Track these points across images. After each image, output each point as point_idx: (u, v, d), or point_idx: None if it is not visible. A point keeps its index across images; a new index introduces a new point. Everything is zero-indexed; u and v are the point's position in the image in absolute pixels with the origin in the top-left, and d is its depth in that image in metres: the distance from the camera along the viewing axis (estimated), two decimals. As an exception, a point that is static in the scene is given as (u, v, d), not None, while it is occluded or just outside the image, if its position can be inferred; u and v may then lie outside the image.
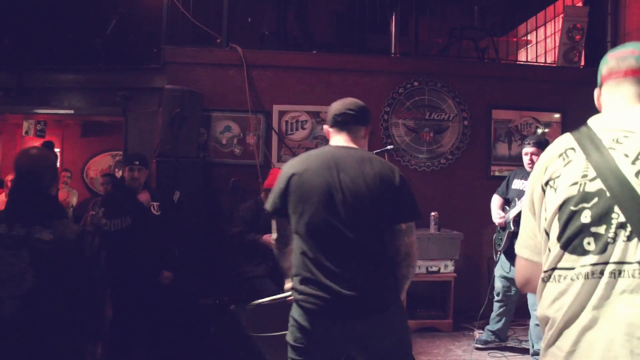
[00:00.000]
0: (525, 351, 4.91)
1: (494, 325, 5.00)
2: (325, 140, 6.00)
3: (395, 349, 2.43)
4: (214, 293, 5.23)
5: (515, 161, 6.27)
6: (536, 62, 7.14)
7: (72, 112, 6.82)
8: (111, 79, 6.51)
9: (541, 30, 7.48)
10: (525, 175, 4.67)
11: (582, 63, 6.61)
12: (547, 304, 1.49)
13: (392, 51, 6.73)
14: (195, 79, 5.94)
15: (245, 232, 4.90)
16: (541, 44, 7.64)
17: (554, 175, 1.51)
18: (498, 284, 4.90)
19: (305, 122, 6.09)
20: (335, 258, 2.35)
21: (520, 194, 4.60)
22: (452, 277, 5.54)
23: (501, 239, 4.72)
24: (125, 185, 4.55)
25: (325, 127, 2.68)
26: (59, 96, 6.68)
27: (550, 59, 7.47)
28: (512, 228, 4.55)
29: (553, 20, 7.54)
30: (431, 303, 5.75)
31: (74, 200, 8.00)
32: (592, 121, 1.60)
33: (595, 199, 1.40)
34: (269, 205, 2.56)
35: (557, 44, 6.85)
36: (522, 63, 7.24)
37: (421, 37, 6.89)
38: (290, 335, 2.44)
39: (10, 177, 7.05)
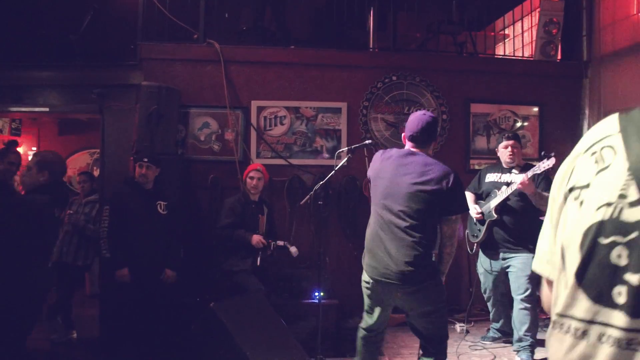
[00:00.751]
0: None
1: (495, 324, 5.04)
2: (303, 135, 6.01)
3: (429, 316, 3.24)
4: (195, 290, 5.20)
5: (494, 154, 6.30)
6: (514, 55, 7.19)
7: (47, 109, 6.69)
8: (87, 76, 6.40)
9: (518, 25, 7.52)
10: (499, 170, 4.71)
11: (559, 56, 6.67)
12: None
13: (371, 46, 6.72)
14: (172, 75, 5.89)
15: (235, 225, 4.90)
16: (518, 38, 7.69)
17: (580, 182, 1.13)
18: (483, 281, 4.92)
19: (284, 118, 6.06)
20: (391, 239, 3.13)
21: (497, 184, 4.64)
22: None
23: (479, 230, 4.74)
24: (134, 182, 4.60)
25: (404, 134, 3.44)
26: (34, 94, 6.55)
27: (527, 52, 7.53)
28: (495, 216, 4.58)
29: (530, 15, 7.60)
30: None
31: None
32: None
33: (636, 234, 1.01)
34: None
35: (534, 38, 6.90)
36: (500, 57, 7.28)
37: (399, 32, 6.90)
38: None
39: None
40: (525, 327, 4.39)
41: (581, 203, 1.10)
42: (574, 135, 6.49)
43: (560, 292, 1.13)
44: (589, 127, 6.38)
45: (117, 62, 6.57)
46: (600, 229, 1.05)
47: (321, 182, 4.42)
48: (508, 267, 4.58)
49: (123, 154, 5.76)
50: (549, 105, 6.46)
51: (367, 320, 3.44)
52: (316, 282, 4.66)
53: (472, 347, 4.89)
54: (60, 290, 5.74)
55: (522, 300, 4.41)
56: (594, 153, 1.11)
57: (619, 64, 6.09)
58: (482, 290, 4.95)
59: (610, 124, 1.14)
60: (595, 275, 1.05)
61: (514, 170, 4.60)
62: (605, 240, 1.04)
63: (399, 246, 3.11)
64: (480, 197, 4.84)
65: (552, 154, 4.24)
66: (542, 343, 4.47)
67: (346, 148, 4.28)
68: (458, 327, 5.40)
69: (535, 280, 4.38)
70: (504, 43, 8.11)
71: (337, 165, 4.36)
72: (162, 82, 5.59)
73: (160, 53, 5.96)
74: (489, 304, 4.99)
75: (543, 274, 1.26)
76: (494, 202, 4.60)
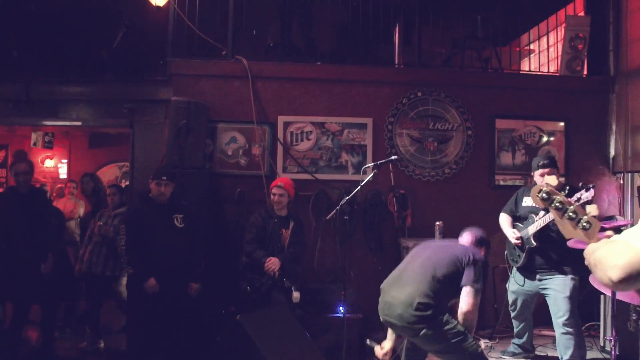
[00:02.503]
0: (550, 359, 4.91)
1: (518, 339, 4.97)
2: (329, 150, 6.06)
3: None
4: (220, 303, 5.27)
5: (520, 170, 6.31)
6: (539, 71, 7.17)
7: (79, 123, 6.89)
8: (118, 91, 6.57)
9: (544, 40, 7.51)
10: None
11: (585, 72, 6.64)
12: None
13: (396, 61, 6.78)
14: (201, 91, 6.00)
15: (257, 239, 5.00)
16: (544, 53, 7.67)
17: None
18: (512, 298, 4.86)
19: (310, 133, 6.14)
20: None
21: (534, 210, 4.55)
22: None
23: (519, 256, 4.67)
24: (149, 197, 4.66)
25: None
26: (67, 108, 6.75)
27: (553, 68, 7.51)
28: (534, 244, 4.51)
29: (555, 30, 7.58)
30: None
31: (80, 211, 8.04)
32: None
33: None
34: None
35: (559, 53, 6.88)
36: (525, 72, 7.26)
37: (424, 47, 6.94)
38: None
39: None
40: (570, 352, 4.29)
41: None
42: (601, 151, 6.45)
43: None
44: (616, 142, 6.35)
45: (147, 78, 6.74)
46: None
47: (347, 197, 4.46)
48: (545, 289, 4.50)
49: (152, 167, 5.87)
50: (575, 120, 6.42)
51: None
52: (340, 296, 4.69)
53: (497, 365, 4.86)
54: (88, 300, 5.87)
55: (563, 324, 4.32)
56: None
57: (646, 79, 6.05)
58: (510, 307, 4.90)
59: None
60: None
61: None
62: None
63: None
64: (517, 220, 4.77)
65: (592, 185, 4.14)
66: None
67: (372, 163, 4.31)
68: (482, 343, 5.37)
69: (575, 301, 4.34)
70: (529, 58, 8.09)
71: (363, 181, 4.39)
72: (191, 97, 5.70)
73: (190, 69, 6.08)
74: (516, 320, 4.94)
75: None
76: (532, 229, 4.51)
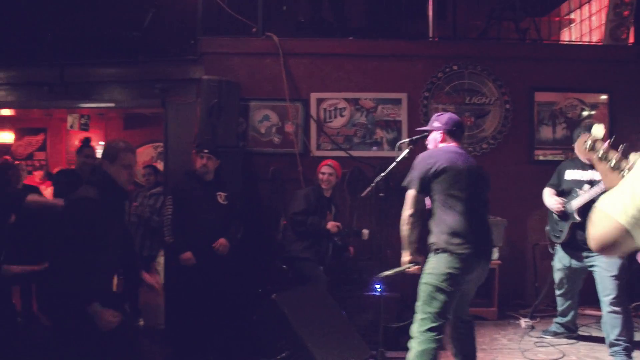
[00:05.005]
0: (594, 339, 4.79)
1: (562, 318, 4.84)
2: (363, 127, 5.97)
3: None
4: (256, 281, 5.27)
5: (561, 144, 6.11)
6: (581, 41, 6.90)
7: (112, 105, 6.92)
8: (150, 71, 6.56)
9: (585, 8, 7.21)
10: (580, 166, 4.47)
11: (631, 40, 6.35)
12: None
13: (430, 35, 6.59)
14: (232, 69, 5.95)
15: (308, 213, 4.95)
16: (586, 22, 7.38)
17: None
18: (559, 276, 4.70)
19: (344, 110, 6.04)
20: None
21: (578, 184, 4.39)
22: (496, 264, 5.41)
23: (561, 231, 4.51)
24: (195, 173, 4.69)
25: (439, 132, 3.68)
26: (100, 90, 6.77)
27: (596, 37, 7.21)
28: (578, 219, 4.34)
29: (598, -3, 7.28)
30: (476, 291, 5.66)
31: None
32: None
33: None
34: (415, 185, 3.53)
35: (602, 22, 6.60)
36: (566, 43, 7.01)
37: (459, 20, 6.75)
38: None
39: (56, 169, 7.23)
40: (617, 330, 4.12)
41: None
42: (647, 124, 6.19)
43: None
44: (663, 114, 6.09)
45: (178, 58, 6.71)
46: None
47: (382, 174, 4.37)
48: (592, 266, 4.34)
49: (185, 147, 5.87)
50: (620, 92, 6.17)
51: None
52: (377, 274, 4.63)
53: (538, 344, 4.74)
54: (127, 279, 5.94)
55: (610, 303, 4.16)
56: None
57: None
58: (556, 285, 4.75)
59: None
60: None
61: None
62: None
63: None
64: (561, 194, 4.60)
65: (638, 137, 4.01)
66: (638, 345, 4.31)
67: (407, 139, 4.18)
68: (523, 322, 5.26)
69: (623, 279, 4.18)
70: (570, 28, 7.80)
71: (398, 157, 4.30)
72: (222, 75, 5.66)
73: (220, 47, 6.03)
74: (561, 298, 4.79)
75: (612, 214, 1.41)
76: (576, 203, 4.35)
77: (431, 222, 3.53)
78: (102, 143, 10.47)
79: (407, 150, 4.33)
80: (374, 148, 6.07)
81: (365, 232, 5.17)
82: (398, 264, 3.71)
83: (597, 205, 1.46)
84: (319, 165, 5.21)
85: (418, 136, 4.13)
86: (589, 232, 1.48)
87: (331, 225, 4.93)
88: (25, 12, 6.95)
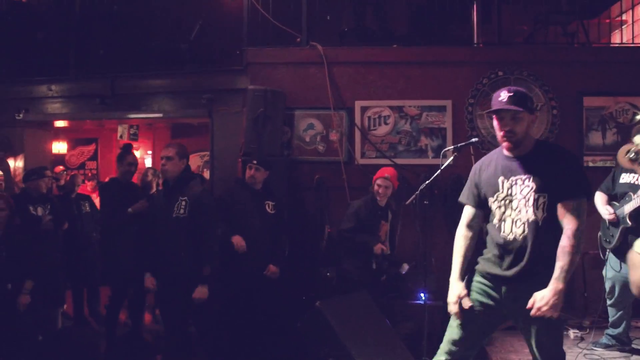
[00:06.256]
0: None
1: (613, 330, 4.66)
2: (407, 134, 5.96)
3: None
4: (300, 289, 5.31)
5: (611, 150, 5.93)
6: (632, 43, 6.72)
7: (161, 115, 7.12)
8: (197, 82, 6.73)
9: (638, 9, 7.01)
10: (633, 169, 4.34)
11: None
12: None
13: (475, 41, 6.54)
14: (277, 79, 6.04)
15: (356, 230, 4.96)
16: (638, 24, 7.17)
17: None
18: (609, 285, 4.55)
19: (388, 117, 6.05)
20: None
21: (633, 187, 4.25)
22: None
23: (612, 236, 4.38)
24: (244, 182, 4.79)
25: None
26: (149, 101, 6.99)
27: (648, 39, 7.00)
28: (629, 223, 4.22)
29: (651, -3, 7.06)
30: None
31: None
32: None
33: None
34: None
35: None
36: (616, 45, 6.83)
37: (504, 25, 6.66)
38: None
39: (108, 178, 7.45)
40: None
41: None
42: None
43: None
44: None
45: (224, 68, 6.88)
46: None
47: (427, 182, 4.36)
48: None
49: (232, 156, 5.99)
50: (674, 95, 5.97)
51: None
52: (422, 282, 4.61)
53: (588, 356, 4.61)
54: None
55: None
56: None
57: None
58: (608, 295, 4.62)
59: None
60: None
61: None
62: None
63: None
64: (613, 199, 4.47)
65: None
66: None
67: (452, 147, 4.15)
68: (572, 333, 5.13)
69: None
70: (621, 30, 7.60)
71: (442, 165, 4.28)
72: (268, 85, 5.76)
73: (265, 57, 6.14)
74: (613, 309, 4.64)
75: None
76: (628, 207, 4.22)
77: None
78: (150, 152, 10.77)
79: (451, 158, 4.31)
80: (419, 156, 6.04)
81: (405, 266, 5.13)
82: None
83: (636, 248, 1.38)
84: (375, 175, 5.18)
85: (463, 143, 4.11)
86: (630, 277, 1.41)
87: (377, 247, 4.92)
88: (78, 27, 7.24)
